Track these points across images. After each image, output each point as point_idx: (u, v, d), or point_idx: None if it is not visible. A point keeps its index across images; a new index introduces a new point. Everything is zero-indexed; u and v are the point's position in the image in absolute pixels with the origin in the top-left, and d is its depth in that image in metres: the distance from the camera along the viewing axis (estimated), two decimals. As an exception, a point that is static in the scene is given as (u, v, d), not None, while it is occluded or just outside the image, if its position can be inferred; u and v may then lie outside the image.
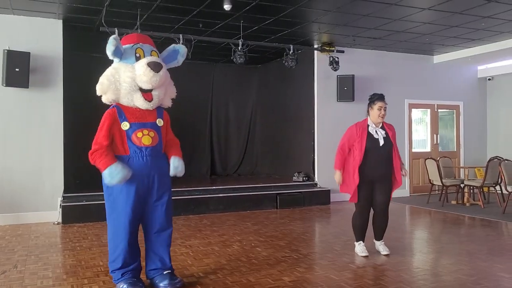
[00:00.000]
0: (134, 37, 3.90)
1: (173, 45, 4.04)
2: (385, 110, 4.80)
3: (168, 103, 3.96)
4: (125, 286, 3.63)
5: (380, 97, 4.84)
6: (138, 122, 3.67)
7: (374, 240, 5.05)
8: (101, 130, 3.65)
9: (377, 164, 4.73)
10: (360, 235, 4.97)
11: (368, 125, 4.82)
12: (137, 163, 3.65)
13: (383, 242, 5.00)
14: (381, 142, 4.75)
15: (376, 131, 4.79)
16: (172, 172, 3.79)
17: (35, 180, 6.95)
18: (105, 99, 3.75)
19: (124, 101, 3.70)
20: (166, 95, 3.88)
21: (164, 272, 3.81)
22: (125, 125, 3.65)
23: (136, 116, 3.70)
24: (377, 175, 4.77)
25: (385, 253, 4.90)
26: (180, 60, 4.01)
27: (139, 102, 3.69)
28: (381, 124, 4.85)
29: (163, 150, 3.86)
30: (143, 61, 3.66)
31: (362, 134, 4.77)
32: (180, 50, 3.99)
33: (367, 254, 4.87)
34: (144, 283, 3.80)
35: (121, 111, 3.68)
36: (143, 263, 3.90)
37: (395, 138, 4.91)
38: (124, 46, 3.77)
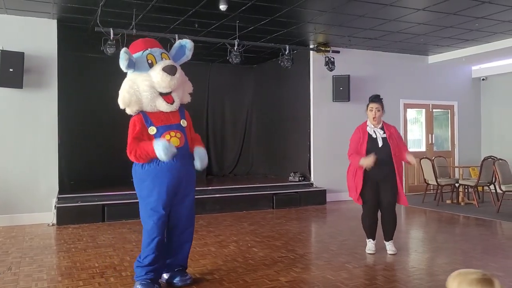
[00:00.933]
0: (141, 43, 3.91)
1: (178, 41, 4.07)
2: (378, 111, 4.83)
3: (187, 99, 4.02)
4: (138, 287, 3.68)
5: (372, 99, 4.91)
6: (164, 125, 3.74)
7: (384, 241, 5.04)
8: (132, 134, 3.69)
9: (378, 165, 4.71)
10: (370, 234, 5.02)
11: (367, 126, 4.88)
12: (167, 165, 3.69)
13: (392, 242, 5.00)
14: (380, 143, 4.77)
15: (374, 131, 4.82)
16: (197, 162, 3.83)
17: (30, 181, 6.91)
18: (129, 111, 3.78)
19: (148, 108, 3.75)
20: (184, 92, 3.94)
21: (176, 269, 3.92)
22: (152, 130, 3.71)
23: (162, 119, 3.76)
24: (380, 176, 4.77)
25: (390, 252, 4.93)
26: (189, 54, 4.04)
27: (162, 106, 3.75)
28: (380, 125, 4.88)
29: (190, 150, 3.90)
30: (158, 67, 3.70)
31: (363, 136, 4.84)
32: (187, 45, 4.02)
33: (373, 252, 4.93)
34: (161, 285, 3.84)
35: (147, 116, 3.74)
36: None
37: (399, 136, 4.95)
38: (134, 55, 3.80)
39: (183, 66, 4.07)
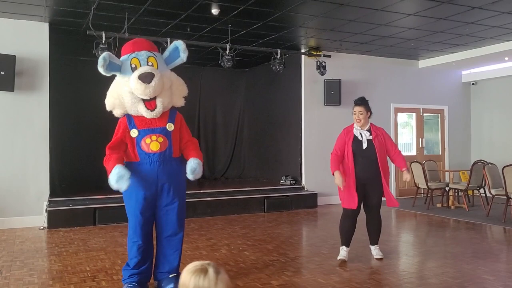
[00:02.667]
0: (129, 46, 3.90)
1: (173, 42, 4.00)
2: (361, 114, 4.78)
3: (179, 103, 3.96)
4: None
5: (356, 102, 4.87)
6: (147, 128, 3.73)
7: (370, 245, 5.01)
8: (115, 136, 3.75)
9: (363, 166, 4.71)
10: (344, 240, 4.90)
11: (354, 128, 4.86)
12: (145, 169, 3.71)
13: (377, 247, 4.96)
14: (364, 145, 4.74)
15: (360, 133, 4.80)
16: (189, 175, 3.71)
17: (21, 184, 6.86)
18: (116, 113, 3.84)
19: (132, 112, 3.77)
20: (174, 96, 3.88)
21: (170, 276, 3.84)
22: (134, 132, 3.74)
23: (146, 122, 3.75)
24: (365, 178, 4.73)
25: (378, 257, 4.88)
26: (183, 56, 3.95)
27: (143, 112, 3.73)
28: (367, 127, 4.85)
29: (176, 154, 3.83)
30: (135, 74, 3.67)
31: (349, 138, 4.81)
32: (179, 47, 3.94)
33: (343, 258, 4.81)
34: None
35: (131, 119, 3.76)
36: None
37: (387, 137, 4.88)
38: (122, 58, 3.83)
39: (177, 69, 4.06)
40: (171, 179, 3.77)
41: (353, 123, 4.93)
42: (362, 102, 4.86)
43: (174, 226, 3.83)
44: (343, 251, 4.90)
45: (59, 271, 4.49)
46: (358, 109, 4.82)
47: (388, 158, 4.90)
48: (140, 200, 3.71)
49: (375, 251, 4.94)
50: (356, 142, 4.78)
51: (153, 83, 3.63)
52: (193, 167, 3.70)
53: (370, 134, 4.80)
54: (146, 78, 3.62)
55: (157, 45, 4.16)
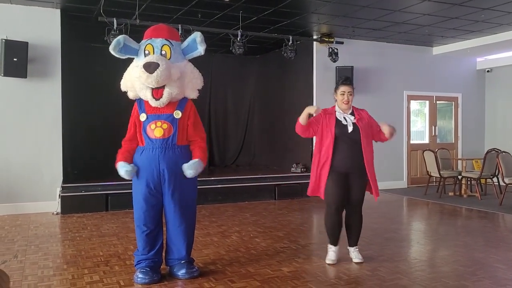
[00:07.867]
0: (149, 32, 3.88)
1: (194, 33, 3.88)
2: (351, 95, 4.26)
3: (191, 95, 3.91)
4: (138, 274, 3.74)
5: (343, 82, 4.34)
6: (154, 114, 3.75)
7: (348, 247, 4.44)
8: (129, 122, 3.87)
9: (346, 154, 4.18)
10: (333, 239, 4.36)
11: (335, 111, 4.31)
12: (147, 155, 3.74)
13: (357, 249, 4.40)
14: (350, 129, 4.19)
15: (344, 118, 4.24)
16: (186, 170, 3.70)
17: (34, 170, 6.95)
18: (129, 95, 3.90)
19: (142, 96, 3.79)
20: (186, 88, 3.83)
21: (182, 262, 3.86)
22: (143, 117, 3.77)
23: (154, 108, 3.76)
24: (349, 167, 4.19)
25: (357, 260, 4.32)
26: (200, 49, 3.84)
27: (149, 99, 3.74)
28: (350, 111, 4.31)
29: (181, 142, 3.77)
30: (141, 62, 3.67)
31: (329, 120, 4.24)
32: (196, 38, 3.83)
33: (332, 262, 4.29)
34: (161, 275, 3.82)
35: (142, 103, 3.81)
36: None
37: (370, 117, 4.33)
38: (141, 42, 3.86)
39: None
40: (172, 167, 3.71)
41: (334, 106, 4.36)
42: (351, 81, 4.36)
43: (175, 216, 3.79)
44: (331, 252, 4.36)
45: (73, 256, 4.56)
46: (348, 88, 4.26)
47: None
48: (142, 186, 3.74)
49: (354, 253, 4.38)
50: (340, 126, 4.21)
51: (155, 73, 3.58)
52: (191, 165, 3.71)
53: (354, 118, 4.25)
54: (149, 67, 3.59)
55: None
